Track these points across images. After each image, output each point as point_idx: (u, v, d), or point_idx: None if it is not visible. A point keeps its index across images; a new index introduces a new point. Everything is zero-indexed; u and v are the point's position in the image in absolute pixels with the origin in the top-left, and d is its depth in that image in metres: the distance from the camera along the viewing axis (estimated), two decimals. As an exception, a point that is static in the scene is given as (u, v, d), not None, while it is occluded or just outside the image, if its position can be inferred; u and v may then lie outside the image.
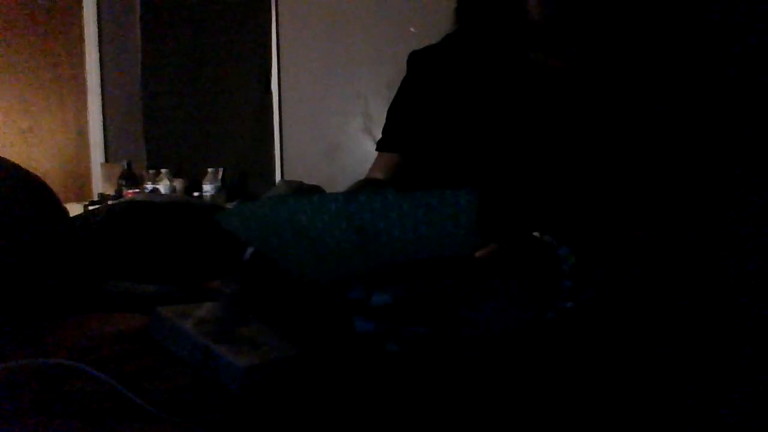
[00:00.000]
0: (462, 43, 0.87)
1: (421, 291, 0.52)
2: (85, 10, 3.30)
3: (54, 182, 2.69)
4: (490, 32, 0.82)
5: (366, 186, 0.88)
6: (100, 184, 3.28)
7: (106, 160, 3.37)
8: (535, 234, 0.59)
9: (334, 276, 0.57)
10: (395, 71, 0.96)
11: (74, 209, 2.61)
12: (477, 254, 0.56)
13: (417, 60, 0.94)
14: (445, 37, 0.92)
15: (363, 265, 0.54)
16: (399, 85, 0.95)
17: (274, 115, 3.11)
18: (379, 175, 0.93)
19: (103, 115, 3.37)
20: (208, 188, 2.95)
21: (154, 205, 1.16)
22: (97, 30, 3.32)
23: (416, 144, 0.90)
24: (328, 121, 2.96)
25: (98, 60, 3.33)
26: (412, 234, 0.49)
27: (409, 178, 0.91)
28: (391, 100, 0.96)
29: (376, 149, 0.96)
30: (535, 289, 0.55)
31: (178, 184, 3.03)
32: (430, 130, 0.88)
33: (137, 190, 2.94)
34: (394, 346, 0.53)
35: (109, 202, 1.54)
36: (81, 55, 3.31)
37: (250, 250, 0.64)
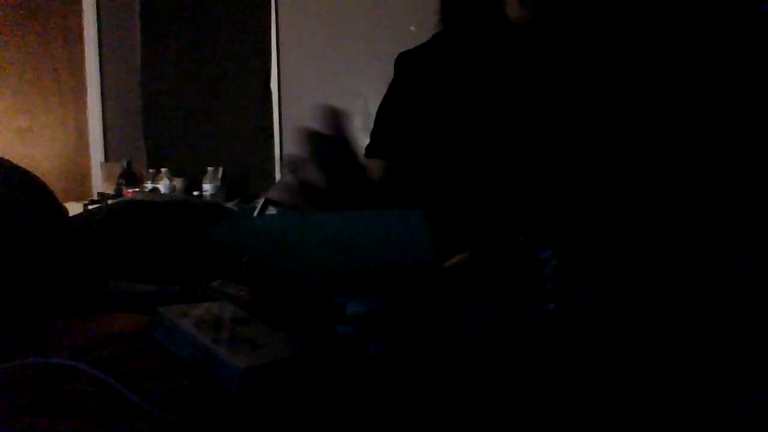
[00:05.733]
0: (449, 44, 0.87)
1: (394, 301, 0.54)
2: (84, 10, 3.30)
3: (54, 182, 2.68)
4: (476, 31, 0.81)
5: None
6: (99, 184, 3.28)
7: (106, 159, 3.37)
8: (519, 237, 0.60)
9: (317, 279, 0.63)
10: (395, 71, 0.96)
11: (74, 209, 2.61)
12: (453, 260, 0.58)
13: (405, 62, 0.93)
14: (433, 37, 0.92)
15: (341, 269, 0.59)
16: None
17: (274, 115, 3.11)
18: None
19: (103, 114, 3.37)
20: (207, 187, 2.94)
21: (154, 204, 1.16)
22: (96, 30, 3.32)
23: (403, 151, 0.90)
24: (328, 120, 2.95)
25: (98, 60, 3.33)
26: (375, 244, 0.56)
27: (396, 185, 0.90)
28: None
29: (364, 155, 0.95)
30: (511, 293, 0.55)
31: (178, 183, 3.03)
32: (417, 137, 0.88)
33: (137, 190, 2.93)
34: (375, 349, 0.55)
35: (109, 202, 1.54)
36: (81, 54, 3.30)
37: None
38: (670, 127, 0.71)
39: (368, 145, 0.95)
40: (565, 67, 0.76)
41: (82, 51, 3.31)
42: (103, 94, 3.35)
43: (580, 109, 0.74)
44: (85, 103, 3.33)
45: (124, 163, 3.04)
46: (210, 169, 2.97)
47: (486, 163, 0.80)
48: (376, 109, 0.95)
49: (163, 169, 3.01)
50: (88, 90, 3.33)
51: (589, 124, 0.74)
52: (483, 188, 0.80)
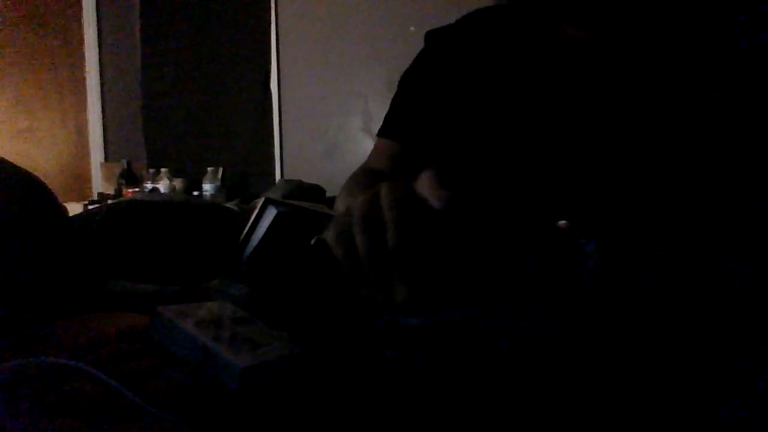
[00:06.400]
0: (486, 24, 0.84)
1: (449, 315, 0.53)
2: (84, 10, 3.30)
3: (54, 182, 2.68)
4: (528, 8, 0.78)
5: (367, 176, 0.85)
6: (100, 184, 3.28)
7: (106, 159, 3.37)
8: (562, 223, 0.57)
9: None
10: (395, 71, 0.95)
11: (74, 209, 2.61)
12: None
13: (435, 38, 0.89)
14: (463, 18, 0.88)
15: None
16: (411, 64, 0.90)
17: (274, 115, 3.11)
18: (378, 164, 0.90)
19: (103, 114, 3.37)
20: (207, 188, 2.94)
21: (154, 204, 1.17)
22: (96, 30, 3.32)
23: (420, 135, 0.86)
24: (328, 121, 2.96)
25: (98, 60, 3.33)
26: None
27: (409, 169, 0.88)
28: (391, 100, 0.93)
29: (377, 134, 0.91)
30: (552, 295, 0.54)
31: (178, 183, 3.03)
32: (440, 121, 0.83)
33: (137, 190, 2.93)
34: (422, 361, 0.54)
35: (109, 202, 1.54)
36: (80, 54, 3.30)
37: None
38: (671, 126, 0.70)
39: (382, 126, 0.91)
40: (610, 49, 0.73)
41: (82, 51, 3.31)
42: (103, 94, 3.36)
43: (615, 95, 0.71)
44: (85, 103, 3.33)
45: (124, 164, 3.04)
46: (210, 169, 2.97)
47: (516, 148, 0.76)
48: (377, 107, 0.94)
49: (163, 170, 3.01)
50: (88, 90, 3.33)
51: (624, 113, 0.71)
52: (512, 175, 0.76)
